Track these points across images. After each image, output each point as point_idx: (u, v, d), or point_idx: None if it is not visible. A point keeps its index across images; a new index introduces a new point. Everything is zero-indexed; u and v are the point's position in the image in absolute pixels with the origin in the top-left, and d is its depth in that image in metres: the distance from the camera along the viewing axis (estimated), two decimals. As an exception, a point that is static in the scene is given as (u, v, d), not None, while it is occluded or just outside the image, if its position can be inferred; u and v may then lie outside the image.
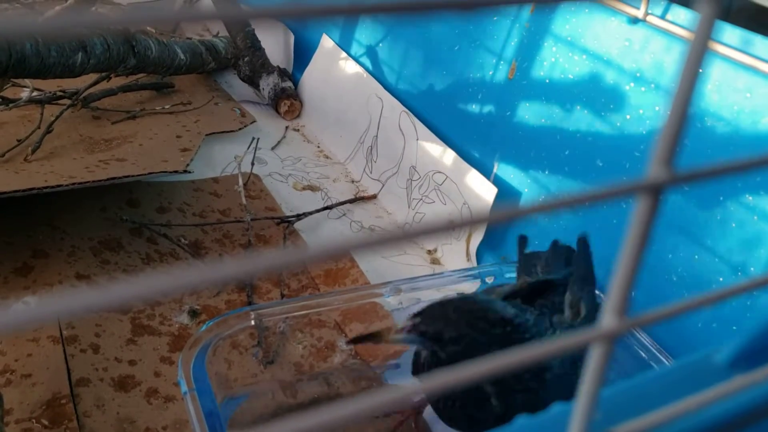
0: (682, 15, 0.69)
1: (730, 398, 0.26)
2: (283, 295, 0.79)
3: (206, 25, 1.45)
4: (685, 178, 0.18)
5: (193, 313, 0.74)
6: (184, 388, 0.55)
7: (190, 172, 0.90)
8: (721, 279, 0.62)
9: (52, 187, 0.78)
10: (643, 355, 0.62)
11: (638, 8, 0.71)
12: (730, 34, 0.65)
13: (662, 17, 0.70)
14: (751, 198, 0.60)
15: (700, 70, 0.18)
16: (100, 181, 0.80)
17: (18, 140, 0.89)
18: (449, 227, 0.21)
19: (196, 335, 0.61)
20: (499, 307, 0.51)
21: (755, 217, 0.60)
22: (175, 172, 0.88)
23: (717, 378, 0.27)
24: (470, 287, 0.79)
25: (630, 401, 0.26)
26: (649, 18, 0.71)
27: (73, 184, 0.79)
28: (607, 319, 0.21)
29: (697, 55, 0.17)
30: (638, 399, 0.26)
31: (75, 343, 0.68)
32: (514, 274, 0.75)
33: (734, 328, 0.59)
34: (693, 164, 0.18)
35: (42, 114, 0.95)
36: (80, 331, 0.70)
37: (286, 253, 0.15)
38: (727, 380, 0.26)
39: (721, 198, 0.62)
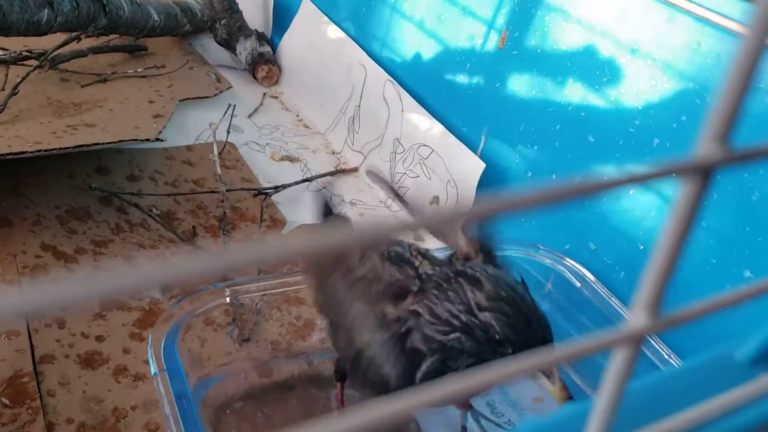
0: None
1: (755, 400, 0.23)
2: (260, 271, 0.75)
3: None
4: (745, 156, 0.15)
5: (166, 288, 0.71)
6: (153, 368, 0.52)
7: (162, 140, 0.86)
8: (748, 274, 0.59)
9: (16, 153, 0.73)
10: (649, 354, 0.59)
11: (637, -23, 0.68)
12: None
13: (662, -13, 0.67)
14: None
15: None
16: (67, 148, 0.76)
17: (-20, 102, 0.84)
18: (459, 214, 0.18)
19: (168, 312, 0.58)
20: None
21: None
22: (147, 140, 0.83)
23: (739, 378, 0.24)
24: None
25: (644, 405, 0.23)
26: (648, -13, 0.68)
27: (39, 150, 0.74)
28: (636, 317, 0.18)
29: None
30: (653, 402, 0.24)
31: (39, 317, 0.65)
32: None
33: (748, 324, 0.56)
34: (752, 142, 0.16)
35: (7, 75, 0.90)
36: (44, 305, 0.66)
37: (285, 242, 0.12)
38: (752, 380, 0.24)
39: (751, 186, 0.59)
